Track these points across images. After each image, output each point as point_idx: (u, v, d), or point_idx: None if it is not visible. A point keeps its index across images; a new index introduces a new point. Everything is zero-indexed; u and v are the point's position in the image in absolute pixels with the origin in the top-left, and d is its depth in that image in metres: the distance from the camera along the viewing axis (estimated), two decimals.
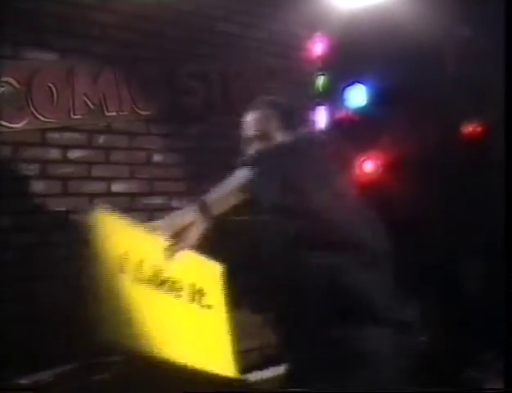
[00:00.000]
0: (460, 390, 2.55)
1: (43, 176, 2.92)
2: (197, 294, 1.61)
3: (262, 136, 1.93)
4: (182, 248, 1.47)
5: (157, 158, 3.29)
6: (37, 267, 2.82)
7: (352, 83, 3.83)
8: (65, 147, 2.99)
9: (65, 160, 2.99)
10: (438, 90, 3.47)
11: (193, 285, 1.61)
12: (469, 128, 3.54)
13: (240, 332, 1.61)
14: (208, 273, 1.60)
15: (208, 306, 1.61)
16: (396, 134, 3.64)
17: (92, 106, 3.06)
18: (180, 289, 1.61)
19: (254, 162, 1.63)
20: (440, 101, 3.48)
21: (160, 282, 1.61)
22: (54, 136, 2.96)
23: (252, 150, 1.91)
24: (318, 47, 3.91)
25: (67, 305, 2.65)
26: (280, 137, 1.92)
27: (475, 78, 3.37)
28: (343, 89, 3.87)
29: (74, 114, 3.01)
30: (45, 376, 2.46)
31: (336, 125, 3.87)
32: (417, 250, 3.36)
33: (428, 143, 3.60)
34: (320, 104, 3.93)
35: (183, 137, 3.39)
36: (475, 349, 3.03)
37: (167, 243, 1.45)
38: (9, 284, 2.71)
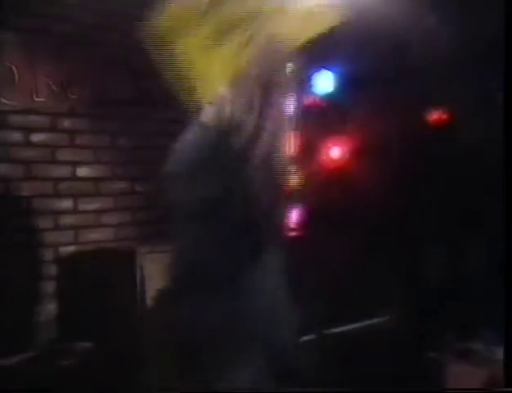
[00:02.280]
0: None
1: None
2: None
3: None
4: None
5: (121, 142, 3.25)
6: None
7: (320, 70, 3.83)
8: (28, 130, 2.93)
9: (28, 144, 2.93)
10: (405, 77, 3.50)
11: None
12: (435, 116, 3.58)
13: None
14: None
15: None
16: (363, 121, 3.66)
17: (55, 89, 3.01)
18: None
19: None
20: (406, 87, 3.50)
21: None
22: (16, 118, 2.90)
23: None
24: None
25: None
26: None
27: (441, 65, 3.41)
28: (311, 76, 3.86)
29: (37, 96, 2.95)
30: (7, 362, 2.43)
31: (304, 111, 3.88)
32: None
33: (394, 130, 3.62)
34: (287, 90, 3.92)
35: (147, 120, 3.35)
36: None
37: None
38: None
